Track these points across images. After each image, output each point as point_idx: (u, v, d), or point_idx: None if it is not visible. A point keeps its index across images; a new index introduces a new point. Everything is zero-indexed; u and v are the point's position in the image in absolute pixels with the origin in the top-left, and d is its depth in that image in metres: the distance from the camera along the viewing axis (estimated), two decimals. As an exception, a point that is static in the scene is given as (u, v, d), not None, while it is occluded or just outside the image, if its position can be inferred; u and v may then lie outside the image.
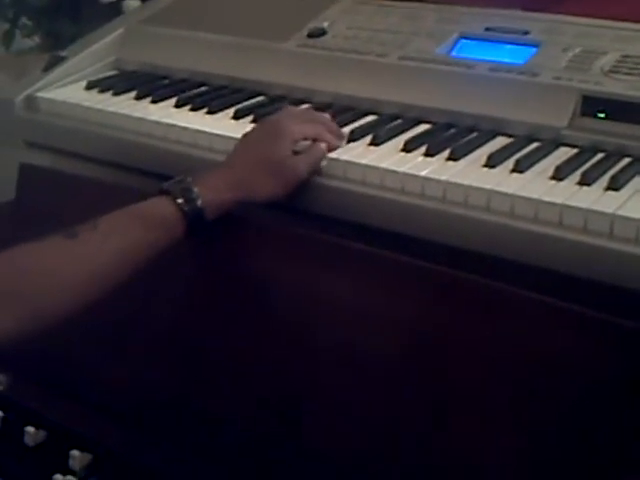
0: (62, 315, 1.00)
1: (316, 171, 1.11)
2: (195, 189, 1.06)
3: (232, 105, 1.30)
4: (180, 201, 1.05)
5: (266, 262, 1.13)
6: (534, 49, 1.21)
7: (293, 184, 1.10)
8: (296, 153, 1.11)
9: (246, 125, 1.23)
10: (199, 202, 1.06)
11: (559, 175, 1.02)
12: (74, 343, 1.20)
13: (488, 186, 1.00)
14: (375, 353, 1.03)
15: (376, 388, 1.03)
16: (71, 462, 1.18)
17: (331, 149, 1.13)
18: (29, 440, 1.22)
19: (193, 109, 1.30)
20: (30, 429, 1.22)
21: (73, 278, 1.00)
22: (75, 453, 1.17)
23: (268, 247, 1.13)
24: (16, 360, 1.14)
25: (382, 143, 1.14)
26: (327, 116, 1.19)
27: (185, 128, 1.25)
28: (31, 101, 1.41)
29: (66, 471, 1.18)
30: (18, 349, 0.97)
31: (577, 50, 1.19)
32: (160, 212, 1.05)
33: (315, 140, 1.13)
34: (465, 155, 1.09)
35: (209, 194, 1.07)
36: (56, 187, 1.33)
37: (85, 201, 1.23)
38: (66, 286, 1.00)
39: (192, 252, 1.14)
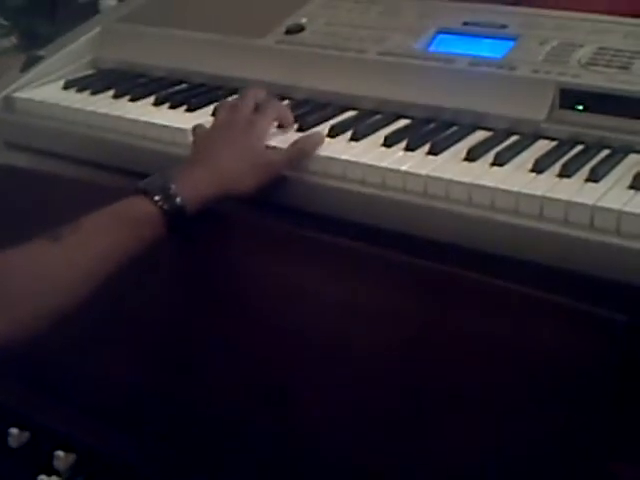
0: (52, 318, 0.99)
1: (297, 166, 1.11)
2: (173, 186, 1.05)
3: (211, 102, 1.29)
4: (158, 199, 1.05)
5: (247, 258, 1.12)
6: (512, 43, 1.21)
7: (271, 177, 1.10)
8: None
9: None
10: (178, 199, 1.05)
11: (539, 168, 1.02)
12: (57, 343, 1.20)
13: (469, 180, 1.01)
14: (357, 347, 1.03)
15: (357, 381, 1.04)
16: (56, 462, 1.17)
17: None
18: (13, 441, 1.22)
19: (172, 107, 1.30)
20: (14, 430, 1.22)
21: (60, 281, 1.00)
22: (60, 453, 1.17)
23: (248, 243, 1.12)
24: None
25: (362, 138, 1.14)
26: (268, 96, 1.22)
27: (164, 126, 1.25)
28: (9, 101, 1.40)
29: (51, 472, 1.18)
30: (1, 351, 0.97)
31: (554, 43, 1.19)
32: (140, 212, 1.05)
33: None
34: (445, 149, 1.09)
35: (189, 190, 1.06)
36: (35, 187, 1.32)
37: (65, 201, 1.22)
38: (53, 290, 0.99)
39: (174, 249, 1.14)
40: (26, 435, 1.23)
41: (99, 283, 1.02)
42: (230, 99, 1.26)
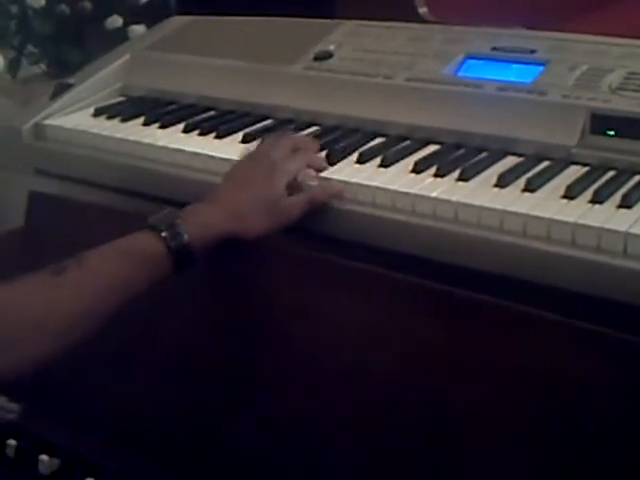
0: (55, 352, 0.98)
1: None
2: (181, 224, 1.04)
3: (240, 129, 1.30)
4: (165, 236, 1.03)
5: (275, 284, 1.13)
6: (541, 68, 1.21)
7: (284, 224, 1.09)
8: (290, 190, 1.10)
9: (255, 149, 1.23)
10: (185, 238, 1.04)
11: (570, 194, 1.01)
12: (88, 371, 1.20)
13: (500, 206, 1.00)
14: (388, 374, 1.03)
15: (387, 411, 1.03)
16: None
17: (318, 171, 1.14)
18: (43, 469, 1.22)
19: (201, 134, 1.30)
20: (44, 457, 1.22)
21: (62, 315, 0.99)
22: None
23: (278, 269, 1.13)
24: (29, 389, 1.14)
25: (392, 165, 1.13)
26: (309, 141, 1.19)
27: (193, 153, 1.25)
28: (39, 129, 1.41)
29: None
30: (31, 379, 0.97)
31: (584, 68, 1.18)
32: (146, 248, 1.03)
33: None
34: (475, 175, 1.08)
35: (196, 229, 1.05)
36: (65, 214, 1.33)
37: (94, 228, 1.23)
38: (55, 324, 0.98)
39: (200, 274, 1.13)
40: (56, 462, 1.23)
41: (104, 318, 1.01)
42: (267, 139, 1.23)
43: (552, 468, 0.93)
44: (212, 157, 1.23)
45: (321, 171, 1.14)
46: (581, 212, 0.98)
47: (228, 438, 1.13)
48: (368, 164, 1.15)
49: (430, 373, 0.99)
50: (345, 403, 1.05)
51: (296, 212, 1.09)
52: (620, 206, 0.98)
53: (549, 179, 1.06)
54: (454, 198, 1.03)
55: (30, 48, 2.29)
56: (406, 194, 1.06)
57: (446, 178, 1.09)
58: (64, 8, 2.24)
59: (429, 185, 1.08)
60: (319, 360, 1.07)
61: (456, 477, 0.99)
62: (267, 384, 1.11)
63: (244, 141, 1.26)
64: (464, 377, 0.97)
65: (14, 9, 2.28)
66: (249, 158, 1.16)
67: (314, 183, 1.12)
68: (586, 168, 1.09)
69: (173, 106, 1.43)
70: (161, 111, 1.40)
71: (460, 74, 1.26)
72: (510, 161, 1.12)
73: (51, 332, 0.98)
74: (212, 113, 1.38)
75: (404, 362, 1.01)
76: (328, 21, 1.47)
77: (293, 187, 1.11)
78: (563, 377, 0.91)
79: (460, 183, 1.07)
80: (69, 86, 1.49)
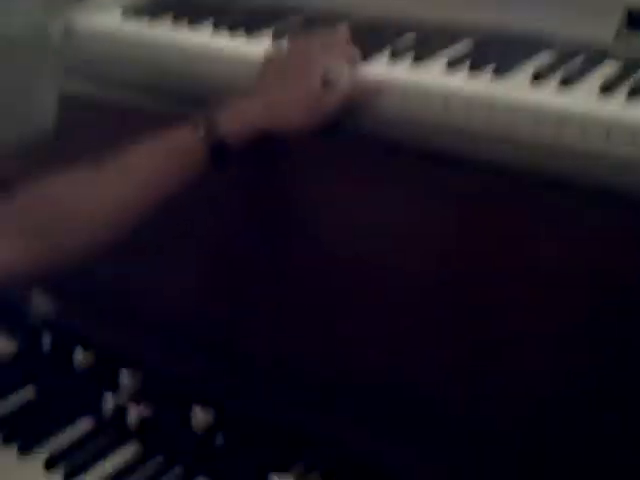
0: (91, 245, 1.02)
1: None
2: (217, 118, 1.05)
3: (270, 26, 1.27)
4: (202, 130, 1.05)
5: (305, 179, 1.15)
6: (577, -38, 1.18)
7: (321, 119, 1.08)
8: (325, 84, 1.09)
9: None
10: (220, 132, 1.05)
11: (607, 89, 1.00)
12: (122, 267, 1.22)
13: (535, 103, 0.99)
14: (411, 272, 1.06)
15: (410, 310, 1.06)
16: (121, 381, 1.19)
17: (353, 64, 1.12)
18: (78, 362, 1.24)
19: (231, 31, 1.28)
20: (79, 351, 1.24)
21: (97, 207, 1.02)
22: (125, 372, 1.19)
23: (308, 164, 1.14)
24: (65, 284, 1.15)
25: (425, 60, 1.12)
26: (342, 35, 1.17)
27: (223, 51, 1.23)
28: (67, 29, 1.40)
29: (116, 390, 1.20)
30: (65, 273, 0.99)
31: (621, -37, 1.15)
32: (182, 142, 1.05)
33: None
34: (510, 71, 1.06)
35: (232, 123, 1.06)
36: (95, 116, 1.33)
37: (125, 129, 1.22)
38: (91, 216, 1.01)
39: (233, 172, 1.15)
40: (91, 355, 1.25)
41: (139, 214, 1.03)
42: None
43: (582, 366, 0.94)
44: (243, 55, 1.21)
45: (355, 65, 1.12)
46: (618, 107, 0.96)
47: (259, 334, 1.16)
48: (401, 60, 1.13)
49: (454, 268, 1.01)
50: (370, 303, 1.07)
51: (333, 105, 1.08)
52: (657, 101, 0.97)
53: (585, 74, 1.04)
54: (488, 94, 1.02)
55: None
56: (439, 90, 1.05)
57: (481, 74, 1.07)
58: None
59: (463, 81, 1.06)
60: (348, 262, 1.09)
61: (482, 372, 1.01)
62: (291, 283, 1.13)
63: (275, 38, 1.24)
64: (488, 270, 0.99)
65: None
66: (288, 54, 1.15)
67: (349, 76, 1.10)
68: (622, 63, 1.07)
69: (202, 4, 1.40)
70: (190, 9, 1.38)
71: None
72: (546, 57, 1.10)
73: (88, 223, 1.00)
74: (242, 10, 1.36)
75: (427, 259, 1.03)
76: None
77: (328, 81, 1.09)
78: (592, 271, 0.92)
79: (495, 79, 1.06)
80: (97, -15, 1.47)
